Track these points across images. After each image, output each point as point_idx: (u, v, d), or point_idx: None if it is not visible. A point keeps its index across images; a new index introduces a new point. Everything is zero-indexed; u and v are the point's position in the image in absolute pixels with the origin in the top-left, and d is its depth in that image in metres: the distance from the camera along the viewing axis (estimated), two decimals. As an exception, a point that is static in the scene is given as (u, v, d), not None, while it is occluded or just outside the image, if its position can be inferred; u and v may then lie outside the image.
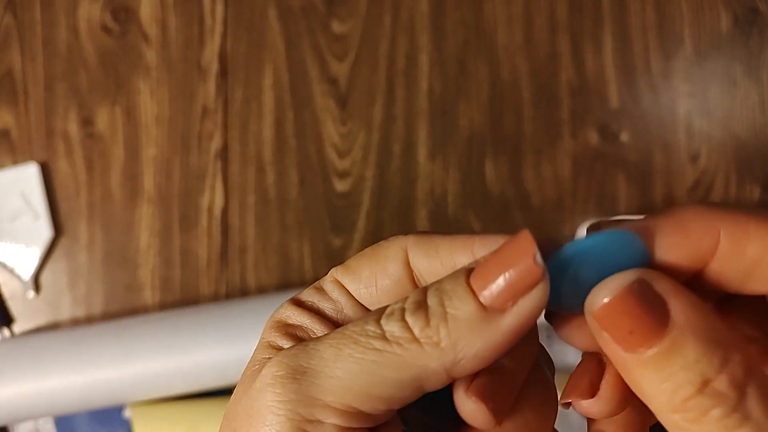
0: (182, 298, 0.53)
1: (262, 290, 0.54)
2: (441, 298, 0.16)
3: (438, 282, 0.17)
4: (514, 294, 0.16)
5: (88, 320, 0.53)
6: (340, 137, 0.54)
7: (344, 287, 0.20)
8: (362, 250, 0.21)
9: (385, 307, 0.17)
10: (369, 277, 0.19)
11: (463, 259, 0.18)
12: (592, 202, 0.55)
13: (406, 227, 0.54)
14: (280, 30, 0.54)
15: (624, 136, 0.55)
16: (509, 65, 0.55)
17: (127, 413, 0.51)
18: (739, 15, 0.55)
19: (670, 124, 0.55)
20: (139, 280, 0.53)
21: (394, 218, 0.54)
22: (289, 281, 0.54)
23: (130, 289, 0.53)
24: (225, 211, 0.54)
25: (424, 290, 0.17)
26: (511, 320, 0.16)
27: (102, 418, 0.51)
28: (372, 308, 0.20)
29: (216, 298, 0.53)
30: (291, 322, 0.20)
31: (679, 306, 0.15)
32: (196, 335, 0.47)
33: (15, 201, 0.53)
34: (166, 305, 0.53)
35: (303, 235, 0.54)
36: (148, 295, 0.53)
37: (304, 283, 0.54)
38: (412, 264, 0.19)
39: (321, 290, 0.20)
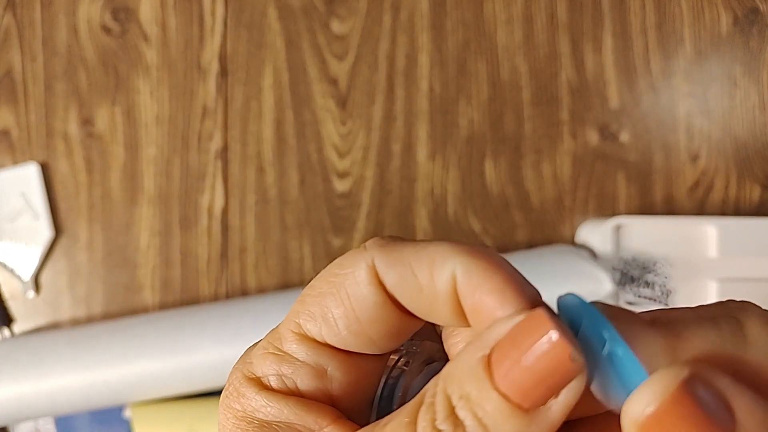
0: (182, 298, 0.53)
1: (262, 290, 0.54)
2: (474, 412, 0.14)
3: (458, 383, 0.14)
4: (553, 392, 0.13)
5: (88, 320, 0.53)
6: (340, 137, 0.54)
7: (317, 341, 0.16)
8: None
9: (407, 414, 0.14)
10: (346, 316, 0.16)
11: (443, 275, 0.15)
12: (592, 202, 0.55)
13: (406, 227, 0.54)
14: (280, 30, 0.54)
15: (624, 136, 0.55)
16: (509, 65, 0.55)
17: (127, 413, 0.51)
18: (739, 15, 0.55)
19: (670, 124, 0.55)
20: (139, 280, 0.53)
21: (394, 218, 0.54)
22: (289, 281, 0.54)
23: (130, 289, 0.53)
24: (225, 211, 0.54)
25: (445, 395, 0.14)
26: (556, 412, 0.13)
27: (102, 418, 0.51)
28: (360, 348, 0.16)
29: (216, 298, 0.53)
30: (263, 417, 0.16)
31: (742, 403, 0.12)
32: (196, 335, 0.47)
33: (15, 201, 0.53)
34: (166, 305, 0.53)
35: (303, 235, 0.54)
36: (148, 295, 0.53)
37: (303, 284, 0.54)
38: (384, 281, 0.16)
39: (284, 356, 0.16)
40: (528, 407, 0.13)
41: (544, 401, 0.13)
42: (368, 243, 0.16)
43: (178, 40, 0.54)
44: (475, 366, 0.14)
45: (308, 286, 0.17)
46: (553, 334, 0.13)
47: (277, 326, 0.17)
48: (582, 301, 0.14)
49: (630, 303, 0.52)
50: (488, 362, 0.14)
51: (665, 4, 0.55)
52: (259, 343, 0.17)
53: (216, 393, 0.50)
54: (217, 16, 0.54)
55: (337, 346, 0.16)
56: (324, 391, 0.16)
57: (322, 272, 0.17)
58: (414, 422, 0.14)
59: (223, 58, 0.54)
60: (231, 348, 0.47)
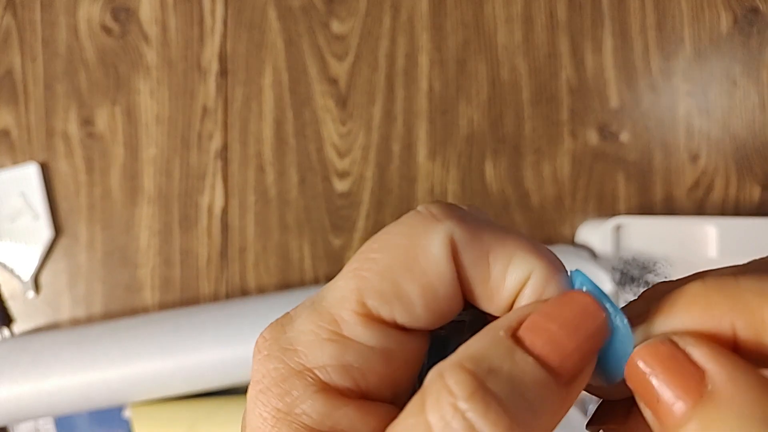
0: (182, 298, 0.53)
1: (262, 290, 0.54)
2: (511, 382, 0.12)
3: (480, 360, 0.13)
4: (589, 361, 0.14)
5: (88, 320, 0.53)
6: (340, 137, 0.54)
7: (386, 322, 0.14)
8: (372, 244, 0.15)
9: (411, 413, 0.13)
10: (424, 295, 0.14)
11: (518, 276, 0.14)
12: (592, 202, 0.55)
13: (406, 227, 0.54)
14: (280, 30, 0.54)
15: (624, 136, 0.55)
16: (509, 65, 0.55)
17: (127, 413, 0.51)
18: (739, 15, 0.55)
19: (670, 124, 0.55)
20: (139, 280, 0.53)
21: (394, 218, 0.54)
22: (289, 281, 0.54)
23: (130, 289, 0.53)
24: (225, 211, 0.54)
25: (464, 375, 0.12)
26: (582, 381, 0.14)
27: (102, 418, 0.51)
28: (428, 326, 0.15)
29: (216, 298, 0.53)
30: (312, 425, 0.14)
31: (722, 374, 0.12)
32: (196, 335, 0.47)
33: (15, 201, 0.53)
34: (166, 305, 0.53)
35: (303, 235, 0.54)
36: (148, 295, 0.53)
37: (303, 284, 0.54)
38: (460, 259, 0.14)
39: (348, 342, 0.14)
40: (568, 379, 0.13)
41: (579, 373, 0.13)
42: (436, 210, 0.15)
43: (178, 40, 0.54)
44: (501, 340, 0.13)
45: (364, 257, 0.14)
46: (592, 302, 0.14)
47: (319, 305, 0.15)
48: (586, 278, 0.15)
49: (630, 303, 0.52)
50: (515, 336, 0.13)
51: (665, 4, 0.55)
52: (299, 327, 0.15)
53: (216, 393, 0.50)
54: (217, 16, 0.54)
55: (409, 326, 0.14)
56: (391, 377, 0.14)
57: (379, 239, 0.15)
58: (422, 412, 0.12)
59: (223, 58, 0.54)
60: (231, 348, 0.47)
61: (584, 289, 0.15)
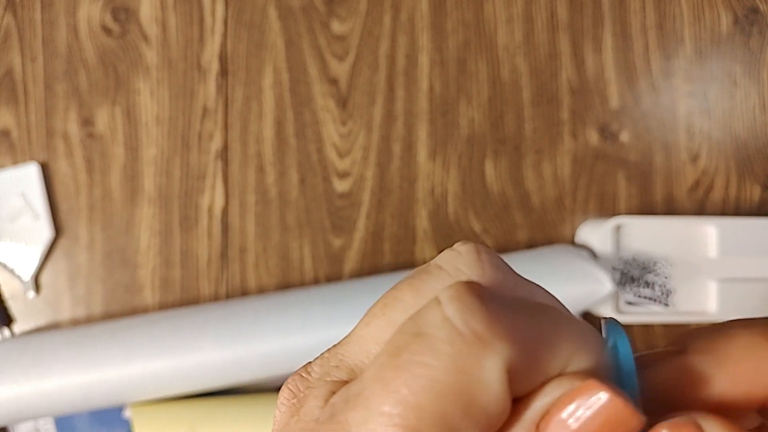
0: (182, 298, 0.53)
1: (262, 291, 0.54)
2: None
3: None
4: None
5: (88, 320, 0.53)
6: (340, 137, 0.54)
7: None
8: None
9: None
10: (482, 431, 0.13)
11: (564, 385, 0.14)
12: (592, 202, 0.55)
13: (406, 227, 0.54)
14: (280, 30, 0.54)
15: (624, 136, 0.55)
16: (509, 65, 0.55)
17: (127, 413, 0.51)
18: (739, 15, 0.55)
19: (671, 124, 0.55)
20: (139, 281, 0.53)
21: (394, 218, 0.54)
22: (289, 282, 0.54)
23: (130, 289, 0.53)
24: (225, 211, 0.54)
25: None
26: None
27: (102, 418, 0.51)
28: None
29: (216, 298, 0.53)
30: None
31: None
32: (196, 335, 0.47)
33: (15, 201, 0.53)
34: (166, 305, 0.53)
35: (303, 236, 0.54)
36: (148, 295, 0.53)
37: (304, 284, 0.54)
38: (514, 388, 0.13)
39: None
40: None
41: None
42: (479, 327, 0.13)
43: (178, 40, 0.54)
44: None
45: (402, 401, 0.13)
46: (609, 396, 0.12)
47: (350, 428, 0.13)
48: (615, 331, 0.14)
49: (630, 303, 0.52)
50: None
51: (665, 4, 0.55)
52: None
53: (216, 393, 0.50)
54: (217, 16, 0.54)
55: None
56: None
57: (419, 376, 0.13)
58: None
59: (223, 58, 0.54)
60: (231, 348, 0.47)
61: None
